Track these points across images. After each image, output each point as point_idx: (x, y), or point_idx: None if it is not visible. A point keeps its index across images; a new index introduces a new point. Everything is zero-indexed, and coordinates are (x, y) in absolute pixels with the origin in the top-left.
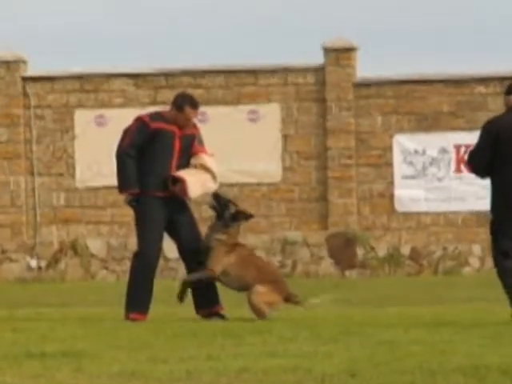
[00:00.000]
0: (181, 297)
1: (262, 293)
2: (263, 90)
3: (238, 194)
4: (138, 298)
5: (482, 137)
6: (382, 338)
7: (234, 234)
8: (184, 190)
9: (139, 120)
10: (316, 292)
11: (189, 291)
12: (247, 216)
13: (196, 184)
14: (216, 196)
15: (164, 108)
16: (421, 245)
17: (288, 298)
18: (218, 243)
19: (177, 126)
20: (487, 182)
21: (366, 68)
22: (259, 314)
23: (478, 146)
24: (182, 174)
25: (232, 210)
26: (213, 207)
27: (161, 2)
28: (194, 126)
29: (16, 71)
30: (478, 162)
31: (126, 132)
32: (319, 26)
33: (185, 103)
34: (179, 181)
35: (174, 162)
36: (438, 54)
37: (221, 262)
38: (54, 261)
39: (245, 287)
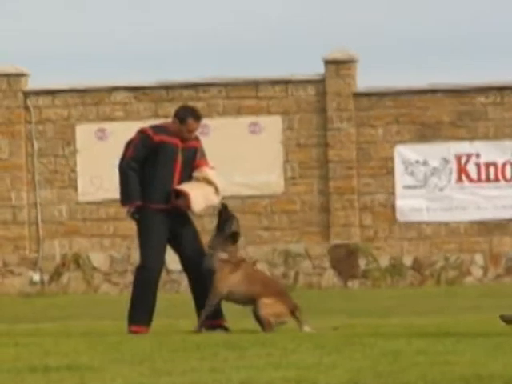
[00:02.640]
0: (199, 330)
1: (269, 304)
2: (264, 102)
3: (240, 206)
4: (140, 311)
5: None
6: (385, 348)
7: (235, 251)
8: (188, 204)
9: (142, 132)
10: (319, 304)
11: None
12: (238, 239)
13: (199, 197)
14: (224, 208)
15: (165, 121)
16: (423, 255)
17: (293, 311)
18: (221, 264)
19: (179, 139)
20: (488, 191)
21: (366, 79)
22: (267, 326)
23: None
24: (185, 187)
25: (234, 227)
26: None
27: (160, 15)
28: (197, 139)
29: (17, 85)
30: None
31: (129, 145)
32: (319, 38)
33: (187, 115)
34: (182, 194)
35: (177, 175)
36: (438, 64)
37: (226, 283)
38: (56, 275)
39: (251, 302)
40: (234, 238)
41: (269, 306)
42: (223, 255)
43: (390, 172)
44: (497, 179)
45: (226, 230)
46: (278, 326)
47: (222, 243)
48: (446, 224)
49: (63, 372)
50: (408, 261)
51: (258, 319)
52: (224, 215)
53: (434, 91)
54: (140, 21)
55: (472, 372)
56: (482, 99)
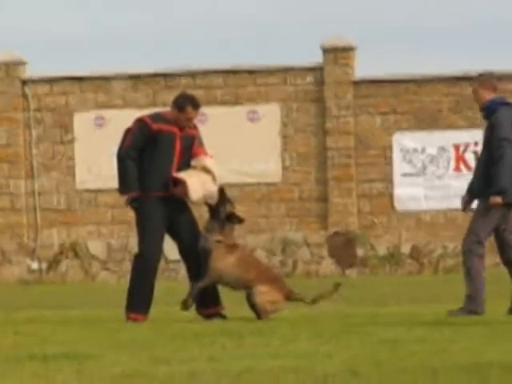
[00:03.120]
0: (186, 306)
1: (265, 292)
2: (262, 90)
3: (238, 194)
4: (138, 299)
5: None
6: (383, 336)
7: (230, 234)
8: (185, 192)
9: (140, 121)
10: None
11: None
12: (240, 220)
13: (197, 186)
14: (221, 191)
15: (163, 109)
16: (421, 243)
17: (289, 296)
18: (217, 245)
19: (177, 127)
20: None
21: (364, 67)
22: (263, 313)
23: None
24: (183, 175)
25: (228, 209)
26: (207, 204)
27: (159, 3)
28: (195, 127)
29: (15, 73)
30: None
31: (127, 133)
32: (317, 26)
33: (186, 103)
34: (180, 183)
35: (175, 163)
36: (437, 52)
37: (223, 263)
38: (54, 263)
39: (243, 287)
40: (230, 219)
41: (265, 294)
42: (218, 237)
43: (388, 160)
44: None
45: (221, 213)
46: (273, 314)
47: (218, 226)
48: (444, 212)
49: (62, 360)
50: (406, 249)
51: (254, 307)
52: (219, 198)
53: (432, 79)
54: (139, 9)
55: (470, 360)
56: None
